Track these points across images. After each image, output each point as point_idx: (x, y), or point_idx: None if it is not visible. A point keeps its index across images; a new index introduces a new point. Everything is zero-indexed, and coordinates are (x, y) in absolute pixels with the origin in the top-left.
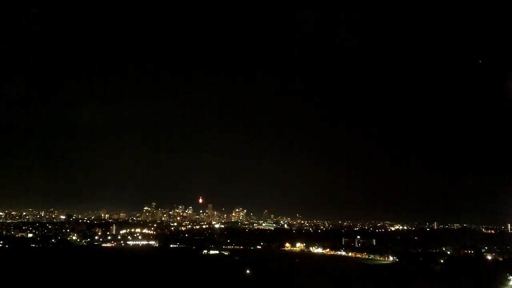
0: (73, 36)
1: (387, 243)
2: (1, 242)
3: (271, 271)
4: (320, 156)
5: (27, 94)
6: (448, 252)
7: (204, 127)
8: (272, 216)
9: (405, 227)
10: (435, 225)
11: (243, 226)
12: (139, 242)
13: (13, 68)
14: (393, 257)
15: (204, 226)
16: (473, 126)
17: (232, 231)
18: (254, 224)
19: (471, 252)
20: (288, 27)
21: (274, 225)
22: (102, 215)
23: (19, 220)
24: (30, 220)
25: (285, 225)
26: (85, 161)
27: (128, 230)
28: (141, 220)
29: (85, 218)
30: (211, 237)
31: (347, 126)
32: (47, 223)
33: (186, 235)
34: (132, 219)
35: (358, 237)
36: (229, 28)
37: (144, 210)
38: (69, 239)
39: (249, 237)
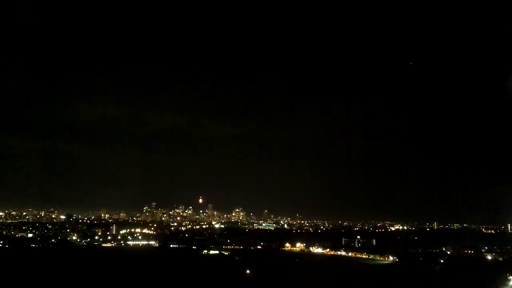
0: (73, 36)
1: (387, 243)
2: (1, 242)
3: (271, 271)
4: (320, 156)
5: (27, 93)
6: (448, 252)
7: (204, 127)
8: (272, 216)
9: (405, 227)
10: (435, 225)
11: (243, 226)
12: (139, 242)
13: (13, 68)
14: (393, 257)
15: (204, 226)
16: (473, 126)
17: (232, 231)
18: (254, 224)
19: (471, 252)
20: (288, 26)
21: (274, 225)
22: (102, 215)
23: (19, 220)
24: (30, 220)
25: (285, 225)
26: (85, 161)
27: (128, 230)
28: (141, 220)
29: (85, 218)
30: (211, 237)
31: (347, 126)
32: (47, 223)
33: (186, 235)
34: (132, 219)
35: (358, 237)
36: (228, 27)
37: (144, 210)
38: (69, 239)
39: (249, 237)
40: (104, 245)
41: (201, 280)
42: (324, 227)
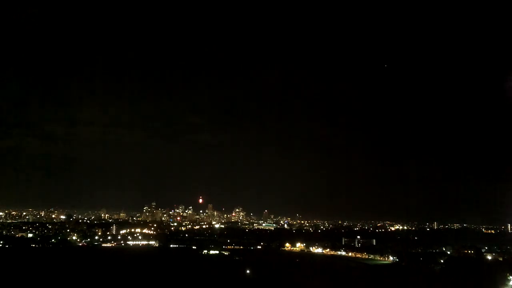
0: (73, 36)
1: (387, 243)
2: (1, 242)
3: (271, 271)
4: (320, 156)
5: (27, 94)
6: (448, 252)
7: (204, 127)
8: (272, 216)
9: (405, 227)
10: (435, 225)
11: (243, 226)
12: (139, 242)
13: (13, 68)
14: (393, 257)
15: (204, 226)
16: (473, 127)
17: (232, 231)
18: (254, 224)
19: (471, 252)
20: (288, 25)
21: (274, 225)
22: (102, 215)
23: (19, 220)
24: (30, 220)
25: (285, 225)
26: (85, 161)
27: (128, 230)
28: (141, 220)
29: (85, 218)
30: (211, 237)
31: (347, 126)
32: (47, 223)
33: (186, 235)
34: (132, 219)
35: (358, 237)
36: (228, 26)
37: (144, 210)
38: (69, 239)
39: (249, 237)
40: (104, 245)
41: (202, 280)
42: (324, 227)
